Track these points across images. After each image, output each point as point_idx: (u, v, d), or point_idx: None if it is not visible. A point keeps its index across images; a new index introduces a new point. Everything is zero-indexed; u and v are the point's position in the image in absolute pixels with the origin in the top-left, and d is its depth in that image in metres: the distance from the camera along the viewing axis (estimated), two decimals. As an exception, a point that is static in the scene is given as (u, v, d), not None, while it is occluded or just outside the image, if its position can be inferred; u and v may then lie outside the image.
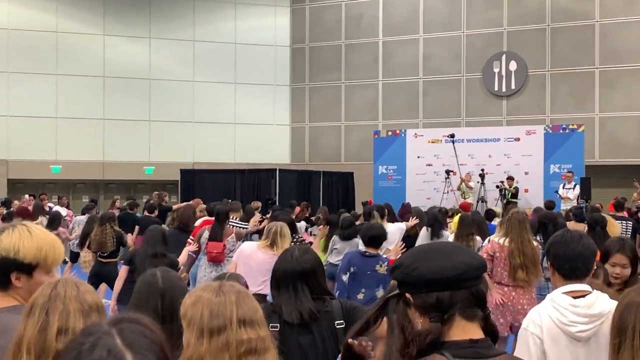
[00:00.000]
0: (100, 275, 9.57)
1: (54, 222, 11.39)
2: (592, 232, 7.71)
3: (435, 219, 9.54)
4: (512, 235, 6.65)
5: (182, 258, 8.38)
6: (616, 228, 8.80)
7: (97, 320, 2.04)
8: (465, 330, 1.98)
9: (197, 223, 11.09)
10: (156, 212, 13.66)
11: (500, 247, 6.72)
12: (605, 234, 7.56)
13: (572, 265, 3.11)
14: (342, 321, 3.63)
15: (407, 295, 2.03)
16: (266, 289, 7.18)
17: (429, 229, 9.42)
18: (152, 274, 2.90)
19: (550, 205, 14.81)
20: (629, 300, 2.24)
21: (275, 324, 3.58)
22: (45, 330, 2.02)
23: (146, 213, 13.75)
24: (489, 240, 7.22)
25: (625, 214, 11.75)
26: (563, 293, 3.07)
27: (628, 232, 10.79)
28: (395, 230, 9.17)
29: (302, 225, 11.37)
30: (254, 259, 7.11)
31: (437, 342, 1.96)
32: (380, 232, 6.95)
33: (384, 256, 6.94)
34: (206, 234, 9.21)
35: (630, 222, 11.18)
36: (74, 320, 2.05)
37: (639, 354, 2.09)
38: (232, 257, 8.15)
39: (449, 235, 9.08)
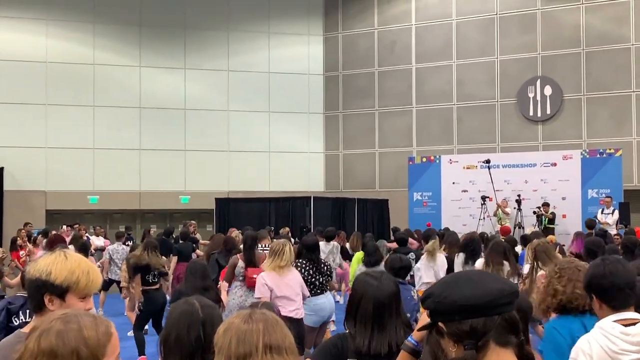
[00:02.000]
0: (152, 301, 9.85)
1: (83, 251, 11.63)
2: (631, 255, 7.74)
3: (469, 244, 9.56)
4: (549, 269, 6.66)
5: (224, 297, 8.65)
6: None
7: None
8: (500, 358, 1.98)
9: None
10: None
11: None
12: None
13: (623, 295, 3.05)
14: None
15: (440, 324, 2.03)
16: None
17: (463, 254, 9.47)
18: (189, 304, 2.88)
19: (591, 224, 14.72)
20: None
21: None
22: None
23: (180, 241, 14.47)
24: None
25: None
26: (613, 321, 3.00)
27: None
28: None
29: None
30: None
31: None
32: (405, 264, 6.88)
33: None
34: (240, 263, 9.40)
35: None
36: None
37: None
38: None
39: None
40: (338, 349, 3.50)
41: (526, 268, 7.58)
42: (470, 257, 9.24)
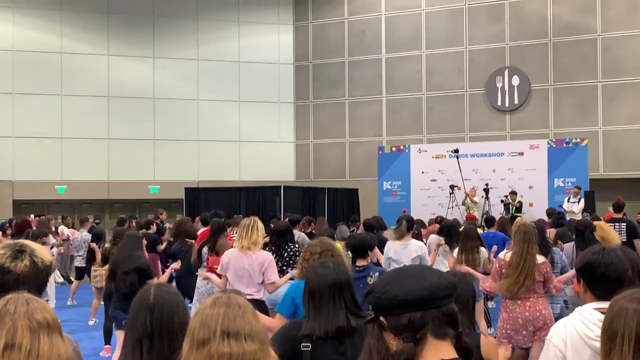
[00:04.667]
0: None
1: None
2: (582, 237, 7.96)
3: (449, 231, 9.60)
4: (516, 248, 6.68)
5: (165, 277, 8.60)
6: (613, 234, 8.91)
7: (45, 336, 2.11)
8: (437, 350, 2.02)
9: (199, 232, 11.59)
10: (153, 227, 14.19)
11: (506, 263, 6.77)
12: (595, 240, 7.72)
13: (609, 288, 2.99)
14: None
15: (381, 318, 2.08)
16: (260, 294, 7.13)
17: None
18: (145, 290, 2.89)
19: (551, 212, 14.95)
20: (618, 308, 2.28)
21: (306, 344, 3.56)
22: None
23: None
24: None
25: (622, 215, 11.84)
26: (594, 308, 2.98)
27: (622, 234, 10.94)
28: (416, 248, 8.67)
29: (304, 237, 11.52)
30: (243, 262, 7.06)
31: None
32: (363, 242, 6.80)
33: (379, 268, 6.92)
34: (205, 249, 9.43)
35: (624, 224, 11.20)
36: (21, 336, 2.06)
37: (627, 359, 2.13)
38: None
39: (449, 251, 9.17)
40: (292, 332, 3.65)
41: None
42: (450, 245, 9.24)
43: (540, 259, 6.80)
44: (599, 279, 3.08)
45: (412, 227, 8.98)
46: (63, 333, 2.23)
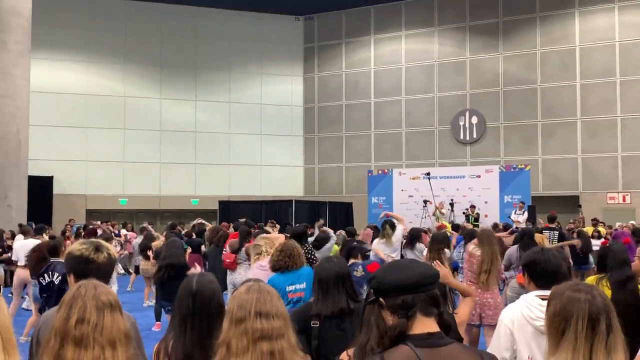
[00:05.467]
0: None
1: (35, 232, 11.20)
2: (521, 241, 8.06)
3: (413, 236, 9.87)
4: (484, 247, 6.68)
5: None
6: (545, 242, 9.12)
7: (108, 314, 2.11)
8: (424, 325, 2.03)
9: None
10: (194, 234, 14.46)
11: (472, 254, 6.81)
12: (534, 243, 7.81)
13: (547, 280, 3.00)
14: None
15: (381, 299, 2.08)
16: None
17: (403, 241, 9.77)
18: (188, 279, 2.82)
19: (505, 225, 15.00)
20: (569, 296, 2.23)
21: (315, 321, 3.54)
22: (67, 320, 2.07)
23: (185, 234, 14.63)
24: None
25: (556, 225, 11.89)
26: (536, 295, 2.98)
27: (555, 240, 11.01)
28: (398, 234, 9.00)
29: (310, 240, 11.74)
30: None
31: (403, 335, 2.02)
32: (355, 246, 6.85)
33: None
34: (227, 248, 9.62)
35: (557, 232, 11.15)
36: (90, 313, 2.08)
37: (581, 336, 2.14)
38: (246, 263, 8.36)
39: (423, 248, 9.41)
40: (304, 312, 3.66)
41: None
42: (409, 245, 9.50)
43: None
44: (540, 273, 3.07)
45: (393, 227, 9.20)
46: (123, 311, 2.22)
